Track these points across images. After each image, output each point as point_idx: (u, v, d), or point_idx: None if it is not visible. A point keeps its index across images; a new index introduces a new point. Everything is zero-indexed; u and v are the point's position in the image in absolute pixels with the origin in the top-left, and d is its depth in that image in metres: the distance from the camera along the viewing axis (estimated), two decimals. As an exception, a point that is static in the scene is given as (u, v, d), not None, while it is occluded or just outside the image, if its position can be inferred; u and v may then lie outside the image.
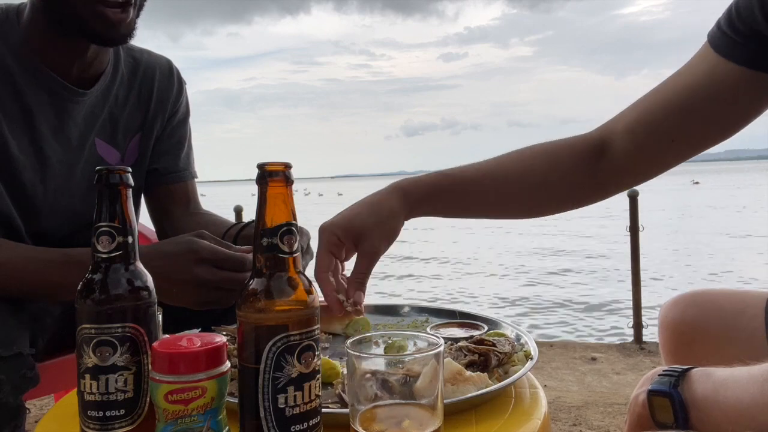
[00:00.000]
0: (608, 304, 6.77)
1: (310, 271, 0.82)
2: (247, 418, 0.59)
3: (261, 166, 0.60)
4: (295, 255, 0.60)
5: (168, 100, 1.37)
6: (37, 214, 1.19)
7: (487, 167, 1.01)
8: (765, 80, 0.84)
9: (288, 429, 0.58)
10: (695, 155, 0.94)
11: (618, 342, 4.14)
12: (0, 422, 0.91)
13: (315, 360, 0.59)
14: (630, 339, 4.04)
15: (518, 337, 0.99)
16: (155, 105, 1.34)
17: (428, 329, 1.08)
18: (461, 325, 1.09)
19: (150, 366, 0.62)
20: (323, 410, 0.63)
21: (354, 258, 0.96)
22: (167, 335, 0.66)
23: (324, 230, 0.94)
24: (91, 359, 0.63)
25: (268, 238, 0.59)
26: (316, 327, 0.60)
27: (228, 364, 0.61)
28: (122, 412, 0.63)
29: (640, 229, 4.10)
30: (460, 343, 0.91)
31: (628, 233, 4.11)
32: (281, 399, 0.57)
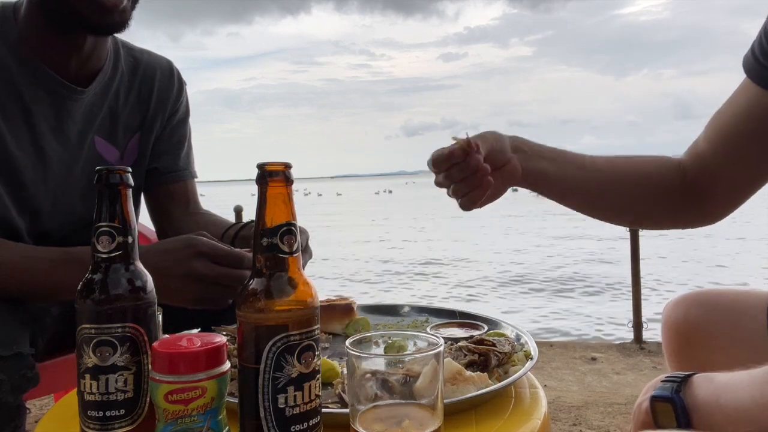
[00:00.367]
0: (608, 305, 6.77)
1: (308, 269, 0.81)
2: (247, 418, 0.58)
3: (261, 166, 0.60)
4: (295, 255, 0.60)
5: (168, 99, 1.37)
6: (39, 214, 1.19)
7: (595, 157, 1.03)
8: None
9: (288, 429, 0.58)
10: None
11: (618, 342, 4.14)
12: (0, 422, 0.91)
13: (315, 360, 0.59)
14: (630, 339, 4.04)
15: (518, 337, 0.99)
16: (155, 104, 1.34)
17: (428, 329, 1.08)
18: (461, 325, 1.10)
19: (150, 366, 0.62)
20: (323, 410, 0.63)
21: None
22: (167, 335, 0.66)
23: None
24: (91, 359, 0.62)
25: (268, 238, 0.59)
26: (316, 327, 0.60)
27: (228, 364, 0.61)
28: (122, 412, 0.63)
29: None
30: (460, 343, 0.91)
31: (628, 233, 4.11)
32: (281, 399, 0.57)
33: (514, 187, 1.03)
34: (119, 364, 0.63)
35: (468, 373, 0.80)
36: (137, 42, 1.36)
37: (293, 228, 0.60)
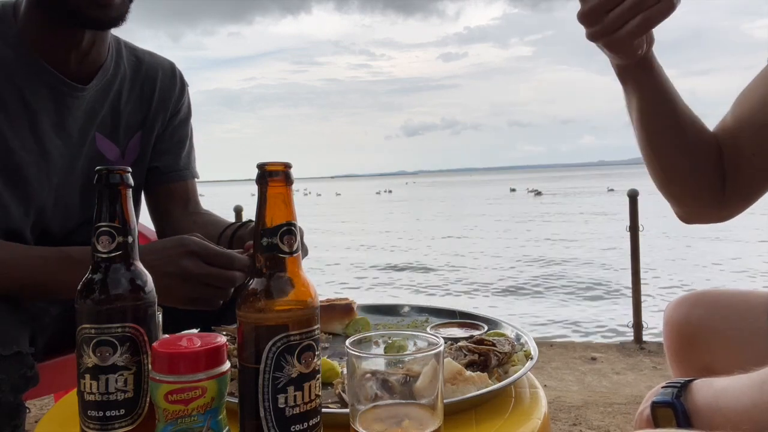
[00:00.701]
0: (608, 304, 6.77)
1: (307, 270, 0.81)
2: (247, 418, 0.58)
3: (261, 166, 0.60)
4: (295, 255, 0.60)
5: (170, 99, 1.37)
6: (42, 210, 1.19)
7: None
8: None
9: (288, 429, 0.58)
10: None
11: (618, 342, 4.14)
12: (0, 422, 0.91)
13: (315, 360, 0.59)
14: (630, 339, 4.04)
15: (518, 337, 0.99)
16: (157, 103, 1.35)
17: (428, 329, 1.08)
18: (461, 325, 1.10)
19: (150, 366, 0.62)
20: (323, 410, 0.63)
21: None
22: (167, 335, 0.66)
23: None
24: (91, 359, 0.62)
25: (268, 238, 0.59)
26: (316, 327, 0.60)
27: (228, 364, 0.61)
28: (122, 412, 0.63)
29: (640, 229, 4.10)
30: (460, 343, 0.91)
31: (628, 233, 4.11)
32: (281, 399, 0.57)
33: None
34: (119, 364, 0.63)
35: (468, 373, 0.80)
36: (137, 42, 1.37)
37: (293, 228, 0.60)
